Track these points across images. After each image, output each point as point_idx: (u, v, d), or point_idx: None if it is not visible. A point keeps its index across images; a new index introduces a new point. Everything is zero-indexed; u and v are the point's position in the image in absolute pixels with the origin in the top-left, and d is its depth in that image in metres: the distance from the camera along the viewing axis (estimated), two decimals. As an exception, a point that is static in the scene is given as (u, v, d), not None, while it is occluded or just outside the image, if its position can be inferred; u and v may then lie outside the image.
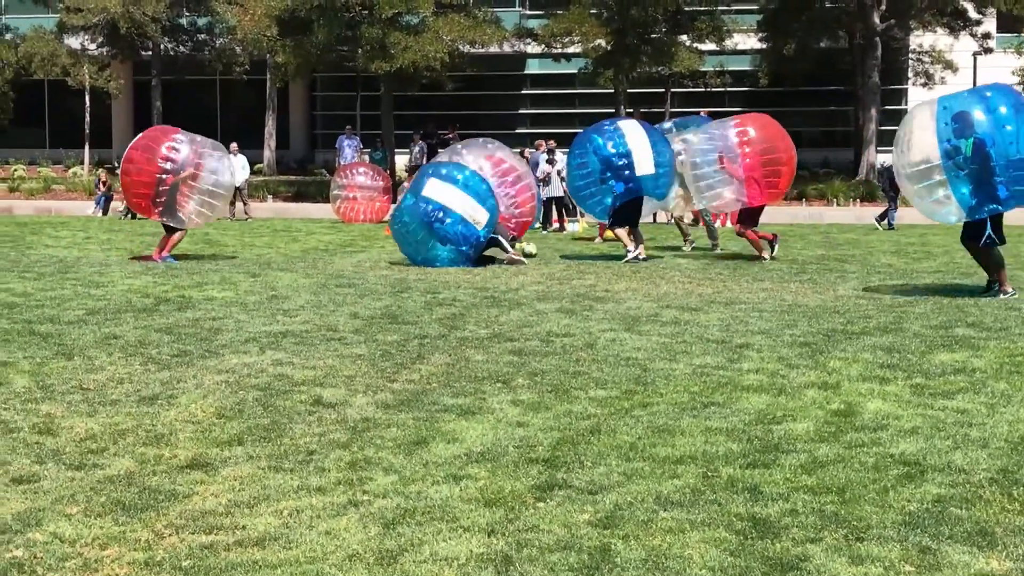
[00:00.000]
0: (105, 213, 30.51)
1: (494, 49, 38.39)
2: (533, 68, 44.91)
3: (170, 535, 5.00)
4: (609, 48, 35.97)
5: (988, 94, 12.49)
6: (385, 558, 4.72)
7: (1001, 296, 12.42)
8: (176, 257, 17.00)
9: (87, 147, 41.87)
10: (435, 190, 16.16)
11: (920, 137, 12.54)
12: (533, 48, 40.35)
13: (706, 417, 7.02)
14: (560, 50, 37.75)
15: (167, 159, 16.85)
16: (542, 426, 6.83)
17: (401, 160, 35.60)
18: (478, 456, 6.20)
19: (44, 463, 6.09)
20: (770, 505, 5.38)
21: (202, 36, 42.35)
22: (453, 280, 14.23)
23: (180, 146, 16.94)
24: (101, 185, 31.94)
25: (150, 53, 41.12)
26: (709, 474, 5.85)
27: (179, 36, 41.99)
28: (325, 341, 9.71)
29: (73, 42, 40.96)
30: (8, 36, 42.38)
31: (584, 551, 4.79)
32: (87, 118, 41.30)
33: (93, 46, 41.02)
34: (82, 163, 42.10)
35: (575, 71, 39.62)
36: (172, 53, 41.95)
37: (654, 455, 6.18)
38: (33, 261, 16.62)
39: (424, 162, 27.35)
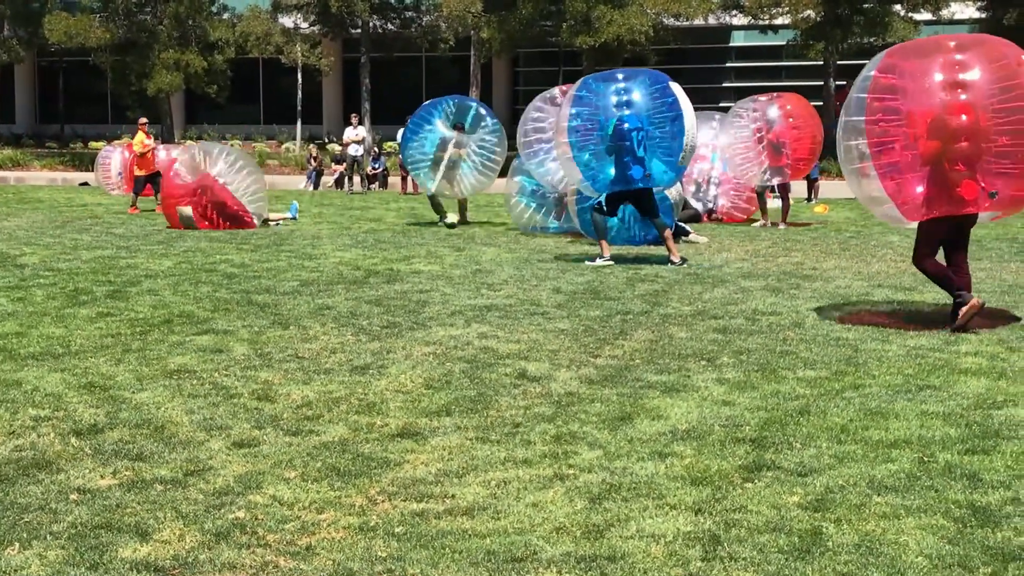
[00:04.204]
0: (316, 188, 31.50)
1: (699, 22, 37.92)
2: (738, 40, 44.14)
3: (383, 501, 5.13)
4: (819, 19, 35.05)
5: (628, 78, 13.72)
6: (592, 532, 4.73)
7: (598, 261, 13.28)
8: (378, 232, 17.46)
9: (299, 123, 43.28)
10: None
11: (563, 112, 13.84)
12: (739, 20, 39.64)
13: (921, 400, 6.78)
14: (767, 21, 36.98)
15: None
16: (749, 405, 6.73)
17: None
18: (683, 434, 6.15)
19: (263, 428, 6.33)
20: (990, 493, 5.16)
21: (409, 14, 43.16)
22: (655, 256, 14.15)
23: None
24: (312, 160, 32.96)
25: (359, 31, 42.16)
26: (925, 459, 5.65)
27: (387, 14, 42.90)
28: (529, 315, 9.79)
29: (286, 21, 42.35)
30: (226, 16, 44.08)
31: (794, 533, 4.70)
32: (299, 95, 42.68)
33: (305, 24, 42.31)
34: (294, 139, 43.56)
35: (783, 43, 38.77)
36: (380, 31, 42.89)
37: (866, 438, 6.01)
38: (249, 233, 17.29)
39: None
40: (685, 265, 12.96)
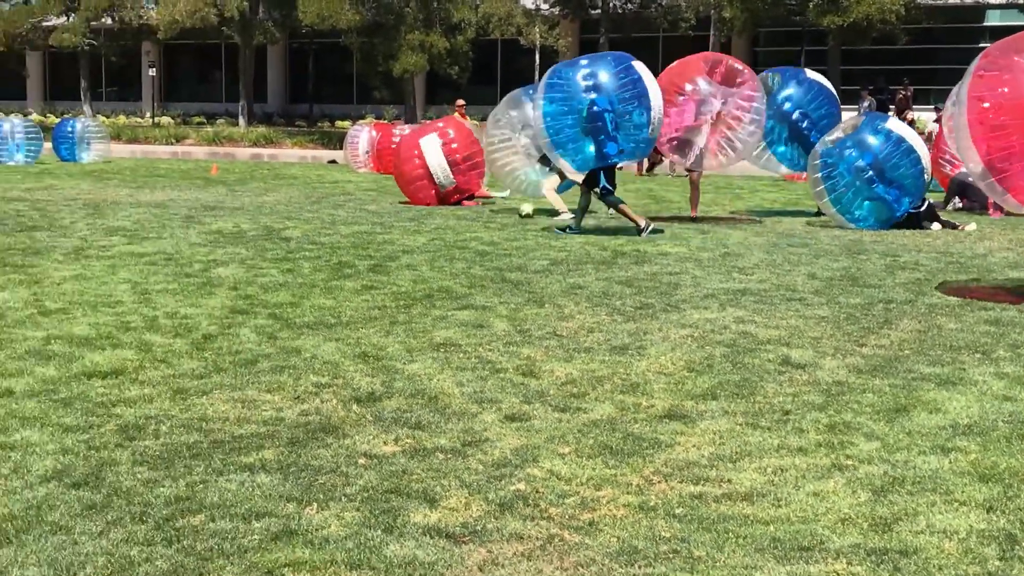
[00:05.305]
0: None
1: (953, 0, 36.36)
2: (994, 20, 42.04)
3: (659, 482, 5.13)
4: (1086, -4, 33.09)
5: (592, 63, 14.59)
6: (879, 525, 4.61)
7: (642, 236, 14.22)
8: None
9: (536, 104, 43.62)
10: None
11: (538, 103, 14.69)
12: (996, -2, 37.81)
13: None
14: (1028, 0, 35.13)
15: None
16: (1033, 402, 6.42)
17: (846, 116, 34.53)
18: (965, 429, 5.92)
19: (531, 403, 6.43)
20: None
21: (650, -7, 42.93)
22: (912, 243, 13.68)
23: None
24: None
25: (599, 11, 42.21)
26: None
27: (628, -6, 42.81)
28: (785, 301, 9.61)
29: (527, 2, 42.78)
30: (470, -2, 44.84)
31: (1100, 539, 4.46)
32: (536, 76, 43.02)
33: (546, 6, 42.64)
34: (531, 119, 43.96)
35: (1043, 22, 36.73)
36: (620, 11, 42.82)
37: None
38: (494, 212, 17.58)
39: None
40: (653, 232, 14.34)
